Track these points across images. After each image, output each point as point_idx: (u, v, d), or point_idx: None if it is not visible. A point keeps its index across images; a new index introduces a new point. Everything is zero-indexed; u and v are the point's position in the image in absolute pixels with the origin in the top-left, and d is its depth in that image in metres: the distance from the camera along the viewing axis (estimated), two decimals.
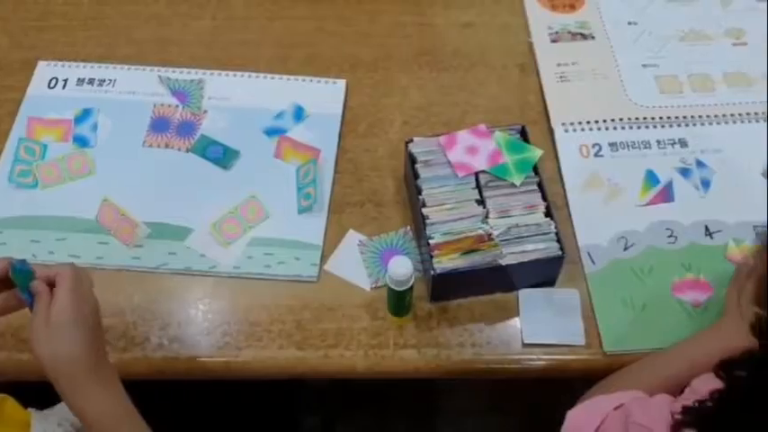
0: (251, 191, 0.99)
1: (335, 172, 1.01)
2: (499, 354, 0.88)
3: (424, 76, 1.11)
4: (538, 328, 0.88)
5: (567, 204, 0.98)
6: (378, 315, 0.89)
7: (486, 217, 0.89)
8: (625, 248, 0.94)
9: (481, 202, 0.91)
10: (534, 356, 0.87)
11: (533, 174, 0.93)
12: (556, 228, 0.88)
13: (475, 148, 0.94)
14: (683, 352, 0.83)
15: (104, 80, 1.09)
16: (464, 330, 0.89)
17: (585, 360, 0.87)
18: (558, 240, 0.87)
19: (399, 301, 0.84)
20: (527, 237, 0.88)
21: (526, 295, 0.90)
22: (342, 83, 1.09)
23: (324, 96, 1.08)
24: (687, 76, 1.08)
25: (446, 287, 0.88)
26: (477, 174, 0.92)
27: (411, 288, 0.84)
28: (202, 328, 0.90)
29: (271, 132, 1.05)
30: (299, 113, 1.06)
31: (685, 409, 0.64)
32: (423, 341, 0.88)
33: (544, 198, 0.91)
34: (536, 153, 0.94)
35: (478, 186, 0.92)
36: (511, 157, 0.93)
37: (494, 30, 1.15)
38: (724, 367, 0.63)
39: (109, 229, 0.96)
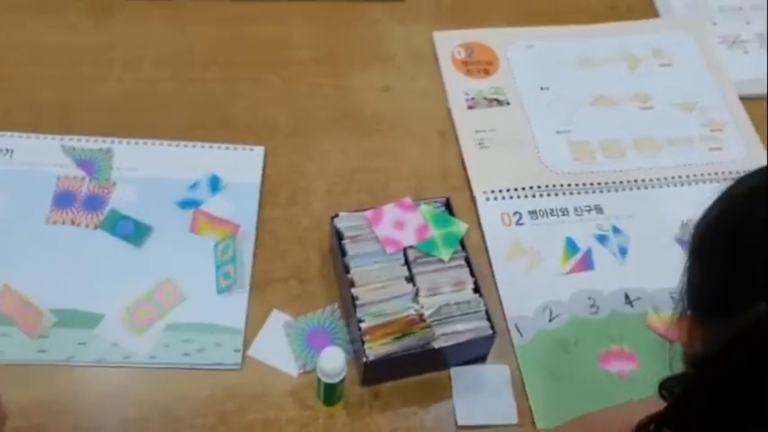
0: (166, 270, 0.93)
1: (256, 246, 0.97)
2: None
3: (346, 140, 1.09)
4: (471, 409, 0.87)
5: (492, 275, 0.98)
6: (306, 404, 0.85)
7: (417, 295, 0.88)
8: (550, 319, 0.95)
9: (410, 279, 0.90)
10: None
11: (460, 248, 0.92)
12: (485, 305, 0.88)
13: (402, 223, 0.93)
14: (626, 409, 0.83)
15: (0, 150, 1.02)
16: (397, 416, 0.86)
17: None
18: (488, 318, 0.87)
19: (330, 393, 0.81)
20: (458, 316, 0.86)
21: (458, 374, 0.89)
22: (260, 149, 1.06)
23: (241, 164, 1.04)
24: (599, 142, 1.11)
25: (378, 371, 0.85)
26: (405, 249, 0.92)
27: (343, 380, 0.81)
28: (118, 427, 0.84)
29: (185, 205, 0.99)
30: (214, 183, 1.02)
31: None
32: (355, 431, 0.85)
33: (472, 273, 0.91)
34: (462, 227, 0.93)
35: (407, 262, 0.91)
36: (437, 231, 0.92)
37: (412, 94, 1.15)
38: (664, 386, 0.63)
39: (10, 318, 0.88)
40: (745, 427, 0.55)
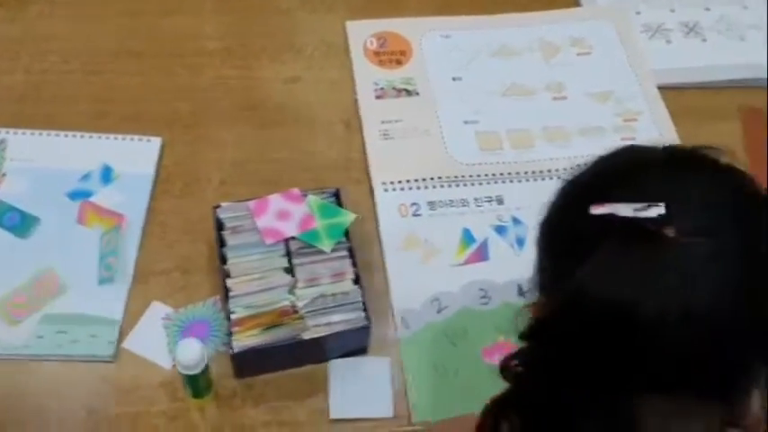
0: (48, 262, 0.92)
1: (143, 237, 0.96)
2: None
3: (246, 132, 1.07)
4: (345, 402, 0.85)
5: (384, 266, 0.97)
6: (177, 396, 0.84)
7: (294, 287, 0.87)
8: (438, 311, 0.93)
9: (290, 270, 0.88)
10: None
11: (345, 239, 0.91)
12: (362, 296, 0.86)
13: (286, 213, 0.91)
14: None
15: None
16: (270, 409, 0.85)
17: None
18: (365, 309, 0.86)
19: (194, 385, 0.80)
20: (333, 307, 0.85)
21: (335, 367, 0.87)
22: (157, 140, 1.04)
23: (136, 155, 1.02)
24: (506, 132, 1.09)
25: (250, 364, 0.84)
26: (287, 240, 0.90)
27: (204, 371, 0.79)
28: None
29: (74, 196, 0.98)
30: (106, 174, 1.00)
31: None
32: (225, 423, 0.83)
33: (354, 264, 0.89)
34: (348, 218, 0.92)
35: (288, 253, 0.89)
36: (322, 222, 0.91)
37: (320, 85, 1.13)
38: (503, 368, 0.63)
39: None
40: (582, 402, 0.56)
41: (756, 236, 0.54)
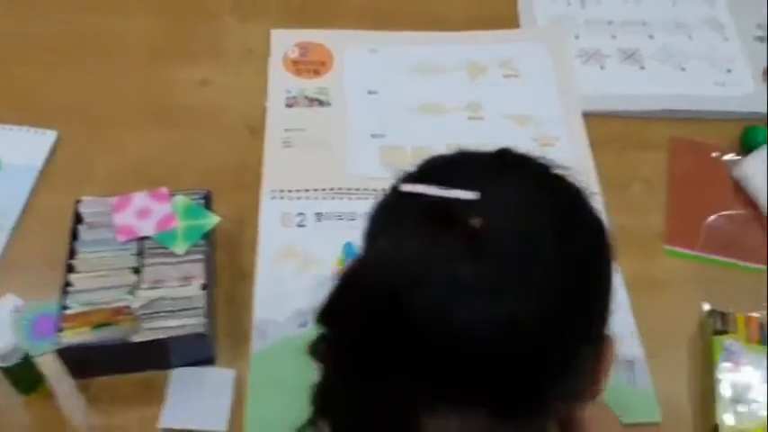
0: None
1: (15, 229, 0.94)
2: None
3: (146, 131, 1.06)
4: (179, 411, 0.81)
5: (254, 275, 0.93)
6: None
7: (136, 287, 0.83)
8: (301, 325, 0.89)
9: (138, 270, 0.85)
10: None
11: (203, 242, 0.87)
12: (207, 303, 0.82)
13: (147, 212, 0.88)
14: None
15: None
16: (100, 412, 0.81)
17: None
18: (207, 316, 0.82)
19: (11, 377, 0.77)
20: (174, 311, 0.81)
21: (176, 375, 0.83)
22: (52, 133, 1.03)
23: (28, 147, 1.01)
24: (412, 148, 1.05)
25: (82, 363, 0.81)
26: (142, 239, 0.87)
27: (24, 365, 0.77)
28: None
29: None
30: None
31: None
32: (47, 424, 0.81)
33: (208, 270, 0.85)
34: (211, 220, 0.88)
35: (141, 253, 0.86)
36: (183, 223, 0.88)
37: (233, 90, 1.11)
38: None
39: None
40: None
41: (569, 245, 0.49)
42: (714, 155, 1.07)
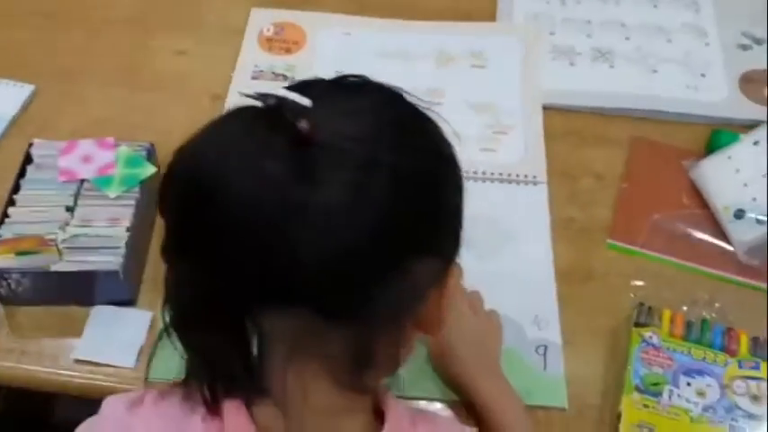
0: None
1: None
2: (44, 366, 0.84)
3: (117, 93, 1.10)
4: (93, 345, 0.84)
5: None
6: None
7: (67, 223, 0.87)
8: None
9: (71, 209, 0.89)
10: (78, 373, 0.83)
11: (139, 190, 0.90)
12: (128, 244, 0.85)
13: (90, 158, 0.92)
14: None
15: None
16: (20, 338, 0.85)
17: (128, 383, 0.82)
18: (126, 257, 0.84)
19: None
20: (95, 248, 0.85)
21: (96, 311, 0.86)
22: (30, 87, 1.09)
23: (4, 97, 1.07)
24: None
25: (7, 288, 0.85)
26: (82, 182, 0.91)
27: None
28: None
29: None
30: None
31: None
32: None
33: (136, 215, 0.88)
34: (149, 170, 0.92)
35: (77, 194, 0.90)
36: (121, 171, 0.91)
37: (205, 60, 1.15)
38: None
39: None
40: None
41: (406, 157, 0.50)
42: (676, 157, 1.06)
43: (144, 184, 0.91)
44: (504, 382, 0.79)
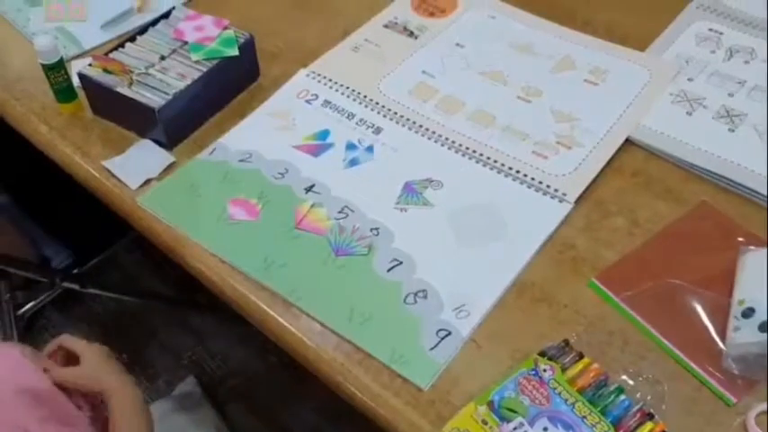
0: None
1: None
2: (84, 161, 1.04)
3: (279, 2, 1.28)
4: (121, 163, 1.02)
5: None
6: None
7: (153, 65, 1.06)
8: (241, 160, 1.03)
9: (163, 57, 1.07)
10: (100, 177, 1.02)
11: (215, 62, 1.05)
12: (177, 94, 1.01)
13: (203, 28, 1.10)
14: None
15: None
16: (87, 139, 1.06)
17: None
18: (169, 103, 1.00)
19: (53, 78, 1.04)
20: (155, 88, 1.02)
21: (141, 142, 1.05)
22: None
23: None
24: (444, 94, 1.09)
25: (96, 98, 1.07)
26: (185, 43, 1.09)
27: (59, 67, 1.04)
28: None
29: None
30: None
31: None
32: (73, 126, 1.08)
33: (204, 76, 1.04)
34: (232, 52, 1.06)
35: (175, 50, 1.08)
36: (215, 46, 1.07)
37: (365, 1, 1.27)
38: None
39: None
40: None
41: None
42: (737, 237, 0.90)
43: (222, 60, 1.06)
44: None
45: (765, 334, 0.78)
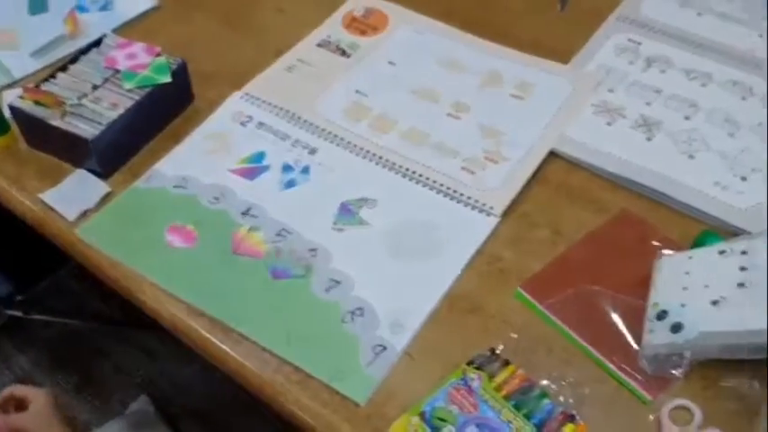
0: None
1: None
2: (20, 192, 1.04)
3: (211, 26, 1.30)
4: (58, 195, 1.02)
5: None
6: None
7: (85, 95, 1.07)
8: (176, 186, 1.04)
9: (96, 87, 1.08)
10: (35, 209, 1.02)
11: (147, 90, 1.07)
12: (110, 123, 1.02)
13: (134, 56, 1.11)
14: None
15: None
16: (23, 167, 1.07)
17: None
18: (103, 133, 1.01)
19: None
20: (88, 119, 1.03)
21: (77, 173, 1.05)
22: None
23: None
24: (378, 113, 1.12)
25: (30, 130, 1.07)
26: (117, 71, 1.10)
27: None
28: None
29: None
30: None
31: None
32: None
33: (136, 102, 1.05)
34: (164, 79, 1.08)
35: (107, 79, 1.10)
36: (146, 73, 1.09)
37: (293, 21, 1.28)
38: None
39: None
40: None
41: None
42: (657, 242, 0.96)
43: (155, 87, 1.08)
44: None
45: (676, 335, 0.83)
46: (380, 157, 1.07)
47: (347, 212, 1.02)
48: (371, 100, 1.15)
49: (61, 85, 1.09)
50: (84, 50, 1.14)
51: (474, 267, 0.96)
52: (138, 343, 1.82)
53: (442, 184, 1.03)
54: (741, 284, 0.84)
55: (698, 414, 0.81)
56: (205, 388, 1.73)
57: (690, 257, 0.90)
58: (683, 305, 0.85)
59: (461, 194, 1.02)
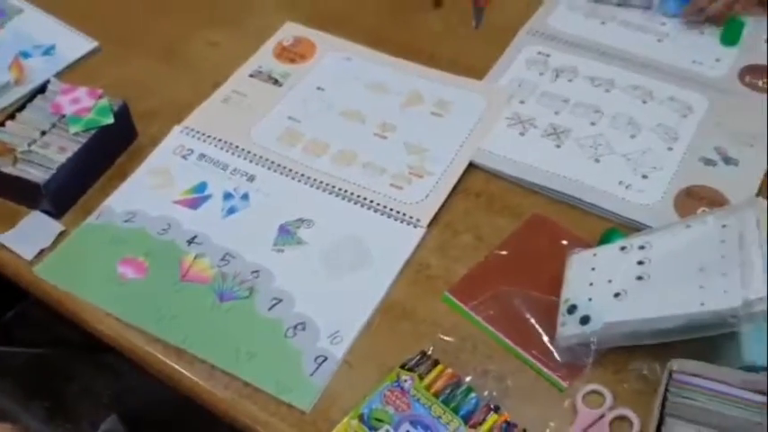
0: None
1: None
2: None
3: (151, 62, 1.37)
4: (15, 236, 1.09)
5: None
6: None
7: (34, 141, 1.13)
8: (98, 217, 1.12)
9: (44, 133, 1.15)
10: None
11: (92, 133, 1.14)
12: (60, 167, 1.09)
13: (79, 100, 1.18)
14: None
15: None
16: None
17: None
18: (53, 176, 1.08)
19: None
20: (39, 164, 1.10)
21: (32, 214, 1.11)
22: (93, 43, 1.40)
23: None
24: (310, 138, 1.21)
25: None
26: (63, 116, 1.17)
27: None
28: None
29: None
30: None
31: None
32: None
33: (83, 147, 1.12)
34: (106, 120, 1.15)
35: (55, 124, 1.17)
36: (91, 116, 1.16)
37: (228, 54, 1.36)
38: None
39: None
40: None
41: None
42: (567, 242, 1.06)
43: (99, 130, 1.15)
44: None
45: (585, 326, 0.93)
46: (315, 180, 1.16)
47: (286, 234, 1.10)
48: (304, 125, 1.24)
49: (10, 133, 1.15)
50: (30, 98, 1.21)
51: (404, 276, 1.05)
52: (103, 364, 1.88)
53: (372, 201, 1.13)
54: (639, 277, 0.95)
55: (609, 397, 0.92)
56: (175, 402, 1.79)
57: (594, 255, 1.00)
58: (590, 299, 0.95)
59: (390, 209, 1.11)
